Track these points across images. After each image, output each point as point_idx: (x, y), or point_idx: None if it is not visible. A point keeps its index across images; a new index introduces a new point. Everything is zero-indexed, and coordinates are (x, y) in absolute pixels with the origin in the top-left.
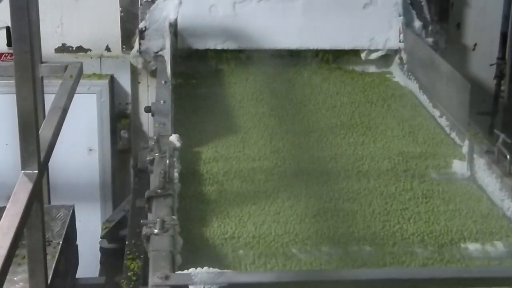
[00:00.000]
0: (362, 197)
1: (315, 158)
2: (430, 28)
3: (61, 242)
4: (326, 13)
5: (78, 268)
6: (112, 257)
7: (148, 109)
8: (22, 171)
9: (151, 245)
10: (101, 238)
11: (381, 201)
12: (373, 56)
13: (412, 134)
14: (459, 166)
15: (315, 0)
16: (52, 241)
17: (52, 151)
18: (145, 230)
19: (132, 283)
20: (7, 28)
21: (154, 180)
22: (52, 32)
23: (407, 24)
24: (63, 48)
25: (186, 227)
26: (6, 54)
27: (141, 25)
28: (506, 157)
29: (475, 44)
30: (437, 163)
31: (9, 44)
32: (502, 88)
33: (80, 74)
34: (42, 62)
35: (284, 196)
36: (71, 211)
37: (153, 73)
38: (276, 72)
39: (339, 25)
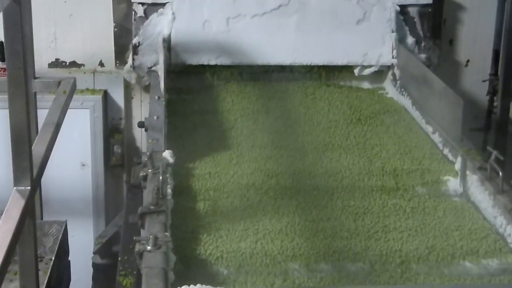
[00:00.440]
0: (356, 214)
1: (308, 175)
2: (423, 44)
3: (53, 258)
4: (319, 29)
5: (70, 284)
6: (104, 273)
7: (141, 125)
8: (15, 188)
9: (144, 261)
10: (93, 253)
11: (375, 218)
12: (366, 72)
13: (404, 151)
14: (452, 183)
15: (308, 16)
16: (44, 257)
17: (45, 167)
18: (138, 247)
19: None
20: (0, 43)
21: (147, 196)
22: (46, 47)
23: (400, 40)
24: (57, 63)
25: (179, 243)
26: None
27: (135, 40)
28: (498, 174)
29: (468, 61)
30: (430, 180)
31: (2, 59)
32: (495, 104)
33: (73, 89)
34: (35, 78)
35: (277, 213)
36: (63, 227)
37: (147, 89)
38: (270, 88)
39: (333, 41)
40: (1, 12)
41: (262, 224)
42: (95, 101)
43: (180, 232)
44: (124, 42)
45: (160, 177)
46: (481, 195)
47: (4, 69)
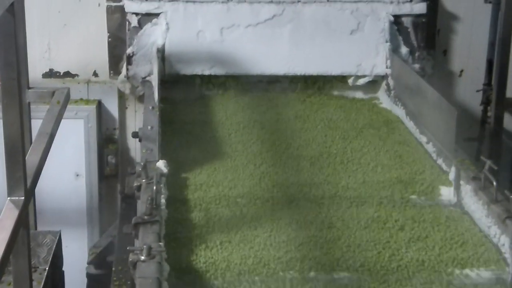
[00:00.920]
0: (350, 224)
1: (302, 185)
2: (417, 54)
3: (47, 268)
4: (313, 39)
5: None
6: (98, 283)
7: (135, 135)
8: (8, 198)
9: (137, 272)
10: (87, 264)
11: (369, 228)
12: (360, 82)
13: (398, 161)
14: (446, 193)
15: (302, 27)
16: (38, 267)
17: (38, 177)
18: (131, 257)
19: None
20: None
21: (141, 206)
22: (40, 57)
23: (394, 50)
24: (51, 73)
25: (173, 253)
26: None
27: (129, 50)
28: (492, 183)
29: (462, 71)
30: (424, 189)
31: None
32: (489, 114)
33: (67, 99)
34: (29, 88)
35: (272, 223)
36: (57, 237)
37: (141, 99)
38: (264, 97)
39: (327, 51)
40: None
41: (256, 235)
42: (89, 111)
43: (174, 242)
44: (118, 52)
45: (154, 187)
46: (475, 205)
47: None
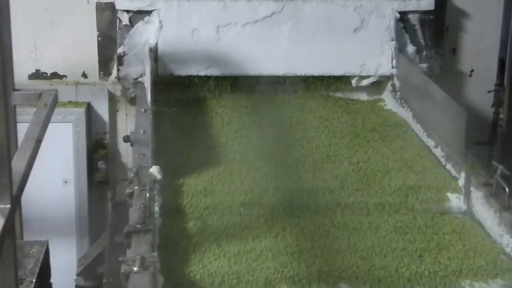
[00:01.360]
0: (354, 232)
1: (303, 191)
2: (424, 53)
3: (34, 280)
4: (314, 37)
5: None
6: None
7: (127, 139)
8: None
9: (130, 283)
10: (76, 275)
11: (374, 237)
12: (364, 82)
13: (405, 166)
14: (455, 200)
15: (303, 24)
16: (25, 279)
17: (25, 184)
18: (124, 268)
19: None
20: None
21: (134, 215)
22: (26, 58)
23: (400, 49)
24: (37, 75)
25: (168, 264)
26: None
27: (120, 50)
28: (504, 190)
29: (472, 70)
30: (432, 197)
31: None
32: (501, 116)
33: (55, 102)
34: (14, 90)
35: (271, 232)
36: (45, 247)
37: (132, 101)
38: (262, 100)
39: (328, 50)
40: None
41: (255, 244)
42: (78, 114)
43: (168, 252)
44: (108, 52)
45: (147, 194)
46: (486, 212)
47: None
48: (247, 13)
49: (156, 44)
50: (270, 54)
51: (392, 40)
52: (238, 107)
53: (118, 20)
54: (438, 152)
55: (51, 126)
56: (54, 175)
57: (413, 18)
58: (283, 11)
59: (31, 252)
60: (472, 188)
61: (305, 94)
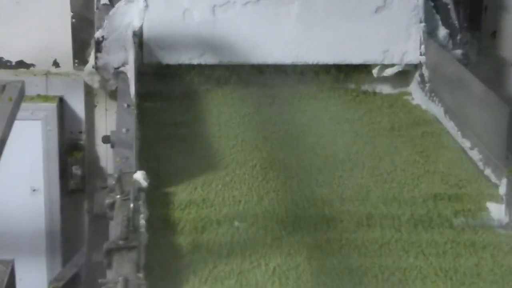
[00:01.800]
0: (375, 250)
1: (314, 202)
2: (458, 37)
3: None
4: (328, 19)
5: None
6: None
7: (106, 139)
8: None
9: None
10: None
11: (399, 256)
12: (388, 72)
13: (435, 171)
14: (495, 210)
15: (314, 4)
16: None
17: None
18: None
19: None
20: None
21: (115, 229)
22: None
23: (430, 32)
24: (0, 63)
25: (155, 287)
26: None
27: (98, 34)
28: None
29: None
30: (468, 207)
31: None
32: None
33: (21, 95)
34: None
35: (277, 250)
36: (10, 268)
37: (113, 95)
38: (266, 93)
39: (345, 34)
40: None
41: (257, 265)
42: (49, 110)
43: (156, 273)
44: (84, 37)
45: (131, 205)
46: None
47: None
48: None
49: (141, 27)
50: (275, 39)
51: (421, 22)
52: (237, 101)
53: None
54: (475, 154)
55: (16, 124)
56: (20, 182)
57: None
58: None
59: None
60: None
61: (317, 87)
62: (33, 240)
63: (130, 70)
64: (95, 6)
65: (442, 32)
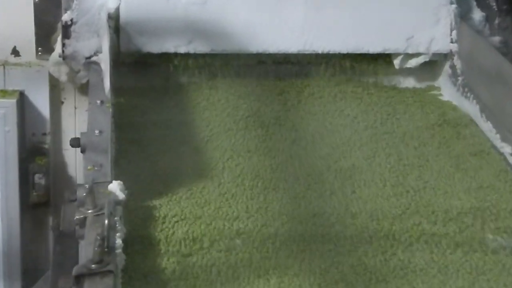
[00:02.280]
0: (393, 274)
1: (320, 217)
2: (496, 21)
3: None
4: (340, 1)
5: None
6: None
7: (76, 143)
8: None
9: None
10: None
11: (423, 281)
12: (412, 63)
13: (469, 181)
14: None
15: None
16: None
17: None
18: None
19: None
20: None
21: (86, 250)
22: None
23: (463, 16)
24: None
25: None
26: None
27: (66, 17)
28: None
29: None
30: (507, 225)
31: None
32: None
33: None
34: None
35: (276, 272)
36: None
37: (84, 89)
38: (266, 88)
39: (361, 18)
40: None
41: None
42: (7, 107)
43: None
44: (49, 20)
45: (106, 221)
46: None
47: None
48: None
49: (118, 9)
50: (279, 23)
51: (452, 3)
52: (232, 97)
53: None
54: None
55: None
56: None
57: None
58: None
59: None
60: None
61: (326, 80)
62: None
63: (104, 60)
64: None
65: (478, 15)
